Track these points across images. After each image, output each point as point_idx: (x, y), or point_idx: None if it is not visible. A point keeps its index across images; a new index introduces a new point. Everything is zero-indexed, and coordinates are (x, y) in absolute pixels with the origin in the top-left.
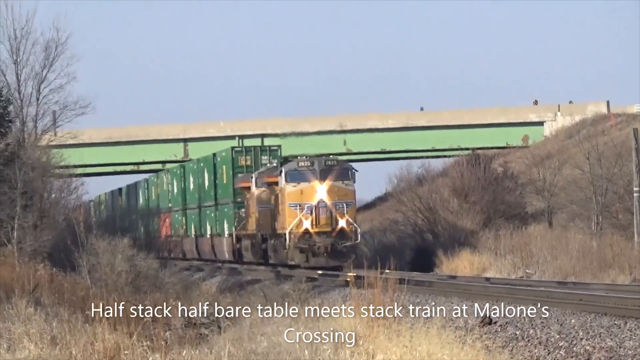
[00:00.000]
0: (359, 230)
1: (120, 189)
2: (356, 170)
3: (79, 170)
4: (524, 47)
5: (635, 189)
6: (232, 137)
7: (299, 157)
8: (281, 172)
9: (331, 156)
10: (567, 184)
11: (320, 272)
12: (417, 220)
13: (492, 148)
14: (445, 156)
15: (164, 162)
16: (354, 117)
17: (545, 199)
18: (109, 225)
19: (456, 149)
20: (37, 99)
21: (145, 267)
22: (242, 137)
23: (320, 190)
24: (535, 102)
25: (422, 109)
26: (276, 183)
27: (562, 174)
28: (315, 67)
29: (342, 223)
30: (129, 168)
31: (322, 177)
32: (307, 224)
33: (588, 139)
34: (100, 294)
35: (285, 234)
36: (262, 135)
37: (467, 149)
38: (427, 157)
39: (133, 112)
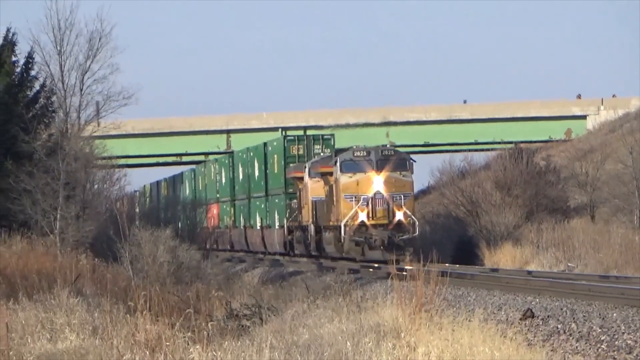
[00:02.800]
0: (417, 223)
1: (165, 179)
2: (414, 161)
3: (122, 161)
4: (568, 41)
5: None
6: (275, 129)
7: (354, 147)
8: (336, 162)
9: (388, 145)
10: (610, 178)
11: (375, 265)
12: (460, 213)
13: (534, 142)
14: (488, 149)
15: (206, 154)
16: (397, 109)
17: (588, 193)
18: (153, 216)
19: (499, 142)
20: (81, 90)
21: (188, 258)
22: (284, 128)
23: (376, 181)
24: (579, 96)
25: (465, 101)
26: (330, 173)
27: (604, 168)
28: (358, 59)
29: (399, 215)
30: (171, 159)
31: (379, 168)
32: (363, 216)
33: (631, 133)
34: (142, 285)
35: (340, 226)
36: (305, 127)
37: (509, 142)
38: (470, 150)
39: (176, 103)
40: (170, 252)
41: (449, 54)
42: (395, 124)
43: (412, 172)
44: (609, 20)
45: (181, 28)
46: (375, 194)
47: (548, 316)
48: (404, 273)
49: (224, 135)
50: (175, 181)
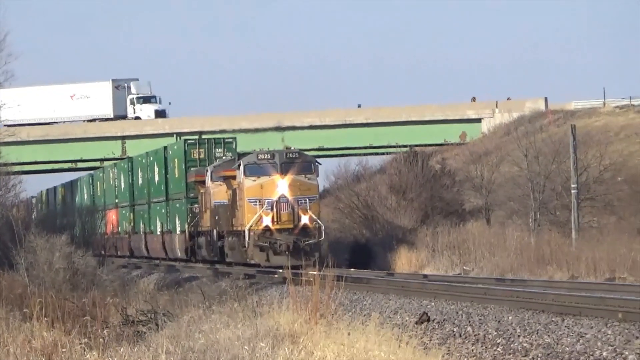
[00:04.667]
0: (323, 227)
1: (63, 185)
2: (319, 164)
3: (17, 168)
4: (462, 44)
5: (572, 185)
6: (170, 135)
7: (257, 150)
8: (239, 165)
9: (293, 148)
10: (505, 181)
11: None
12: (355, 217)
13: (430, 145)
14: (383, 153)
15: (101, 160)
16: (292, 114)
17: (483, 196)
18: (50, 222)
19: (394, 146)
20: None
21: (83, 265)
22: (179, 134)
23: (281, 185)
24: (473, 99)
25: (359, 105)
26: (233, 177)
27: (499, 171)
28: (253, 65)
29: (304, 219)
30: (66, 166)
31: (284, 171)
32: (267, 221)
33: (526, 136)
34: (38, 292)
35: (243, 231)
36: (200, 133)
37: (405, 146)
38: (365, 154)
39: None
40: (66, 259)
41: (342, 58)
42: (290, 128)
43: (317, 175)
44: (502, 23)
45: (75, 33)
46: (279, 198)
47: (444, 320)
48: (300, 278)
49: (119, 142)
50: (72, 187)
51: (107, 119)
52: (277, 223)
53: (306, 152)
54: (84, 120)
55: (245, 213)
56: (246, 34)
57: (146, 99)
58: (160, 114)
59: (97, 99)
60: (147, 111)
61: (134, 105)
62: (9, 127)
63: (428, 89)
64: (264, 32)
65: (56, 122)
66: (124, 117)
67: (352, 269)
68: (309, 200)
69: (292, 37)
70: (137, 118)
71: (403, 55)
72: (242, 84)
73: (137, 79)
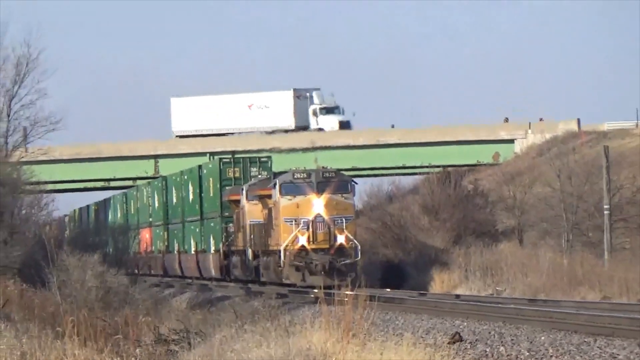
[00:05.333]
0: (359, 247)
1: (96, 203)
2: (356, 183)
3: (50, 187)
4: (495, 65)
5: (605, 206)
6: (203, 154)
7: (293, 169)
8: (275, 184)
9: (329, 167)
10: (538, 202)
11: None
12: (388, 237)
13: (462, 165)
14: (415, 173)
15: (134, 179)
16: (325, 134)
17: (516, 217)
18: (83, 240)
19: (427, 167)
20: (8, 115)
21: (116, 284)
22: (212, 153)
23: (317, 204)
24: (506, 120)
25: (393, 126)
26: (269, 196)
27: (532, 192)
28: (286, 84)
29: (340, 239)
30: (99, 184)
31: (320, 190)
32: (303, 240)
33: (559, 157)
34: (71, 310)
35: (279, 251)
36: (233, 152)
37: (437, 166)
38: (398, 174)
39: (104, 128)
40: (98, 277)
41: (376, 78)
42: (323, 148)
43: (353, 195)
44: (536, 45)
45: (108, 52)
46: (315, 217)
47: (476, 340)
48: (333, 297)
49: (152, 161)
50: (105, 205)
51: (287, 131)
52: (313, 243)
53: None
54: (262, 132)
55: (281, 232)
56: (279, 53)
57: (329, 110)
58: (344, 125)
59: (277, 109)
60: (330, 122)
61: (317, 117)
62: (181, 137)
63: (460, 109)
64: (295, 52)
65: (232, 133)
66: (306, 128)
67: (388, 289)
68: (345, 219)
69: (324, 55)
70: (320, 130)
71: (436, 75)
72: None
73: (319, 89)
